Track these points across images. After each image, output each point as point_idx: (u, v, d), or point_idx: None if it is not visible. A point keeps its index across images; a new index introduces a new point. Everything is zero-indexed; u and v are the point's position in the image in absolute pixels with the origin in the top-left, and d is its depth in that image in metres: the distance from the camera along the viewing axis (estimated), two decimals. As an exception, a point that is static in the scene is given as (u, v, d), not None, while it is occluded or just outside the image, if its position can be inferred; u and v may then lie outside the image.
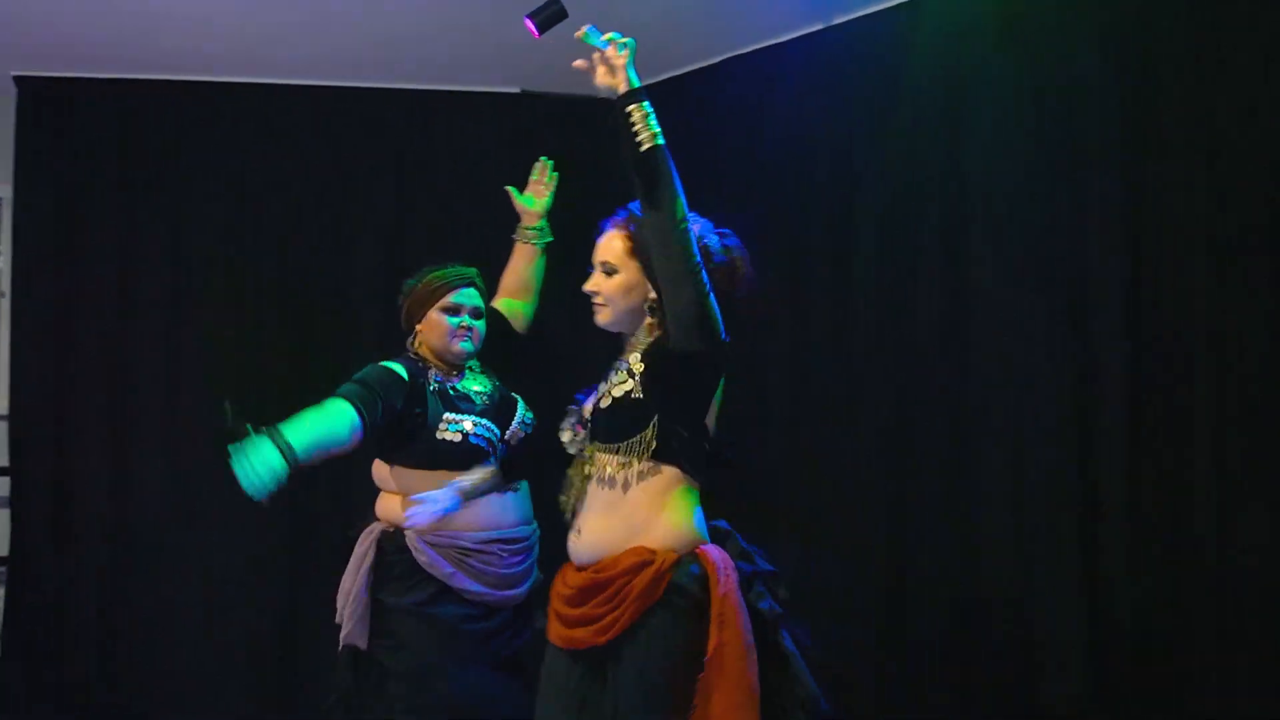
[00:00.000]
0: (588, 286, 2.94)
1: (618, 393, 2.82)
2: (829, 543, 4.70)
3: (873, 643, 4.61)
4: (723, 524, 2.98)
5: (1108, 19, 4.13)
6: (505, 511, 3.59)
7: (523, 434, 3.73)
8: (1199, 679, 3.89)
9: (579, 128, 4.91)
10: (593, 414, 2.89)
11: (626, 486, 2.83)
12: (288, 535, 5.43)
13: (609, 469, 2.82)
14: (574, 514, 2.94)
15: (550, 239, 3.84)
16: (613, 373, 2.87)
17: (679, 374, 2.77)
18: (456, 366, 3.72)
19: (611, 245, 2.94)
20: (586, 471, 2.88)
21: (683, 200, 2.67)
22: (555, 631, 2.93)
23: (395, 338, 3.94)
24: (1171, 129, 4.07)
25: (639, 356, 2.83)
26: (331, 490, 5.32)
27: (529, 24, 4.31)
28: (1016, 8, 4.34)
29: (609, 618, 2.80)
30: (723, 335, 2.71)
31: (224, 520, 5.39)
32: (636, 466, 2.81)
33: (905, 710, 4.52)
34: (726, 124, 5.14)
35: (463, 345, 3.66)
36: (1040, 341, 4.36)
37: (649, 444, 2.77)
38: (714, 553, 2.85)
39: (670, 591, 2.77)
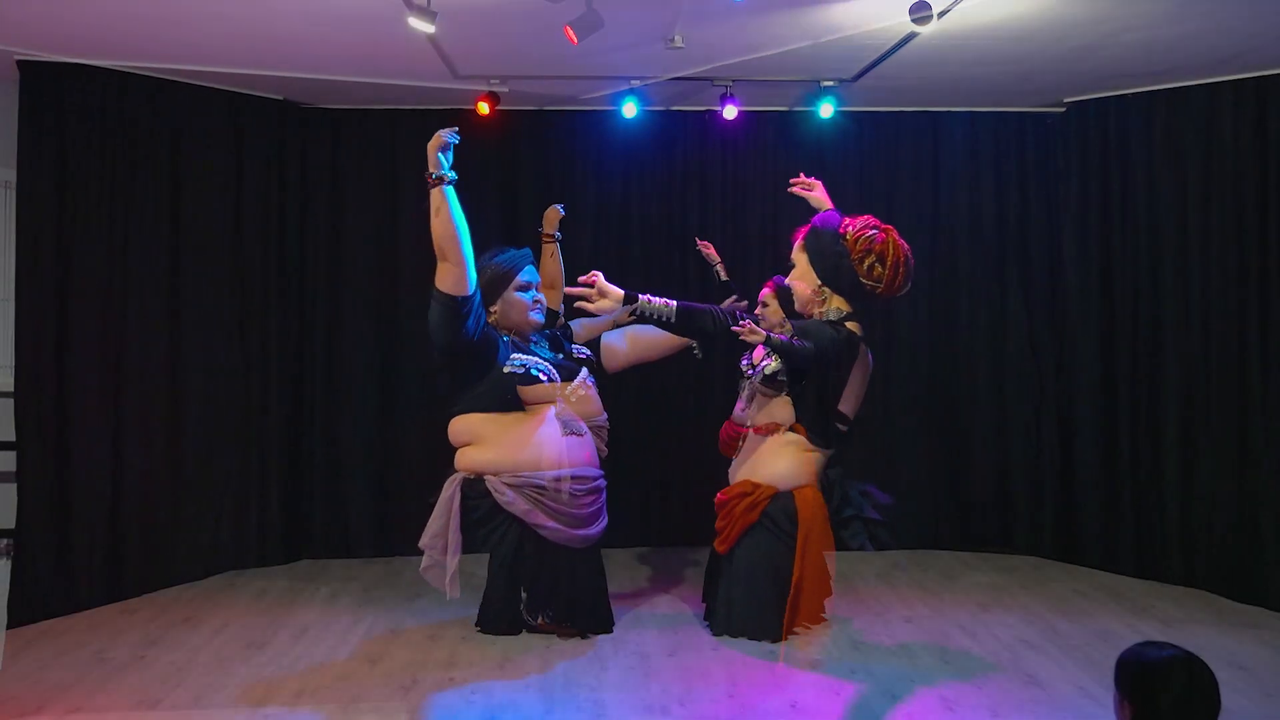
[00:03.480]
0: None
1: (769, 370, 3.73)
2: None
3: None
4: (835, 474, 3.60)
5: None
6: (573, 450, 3.97)
7: (584, 391, 4.09)
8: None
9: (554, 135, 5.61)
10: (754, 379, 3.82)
11: (762, 437, 3.70)
12: (283, 508, 5.72)
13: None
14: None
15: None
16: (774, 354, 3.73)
17: (801, 374, 3.66)
18: (526, 336, 4.11)
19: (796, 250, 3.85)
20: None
21: (711, 326, 3.58)
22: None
23: (386, 321, 4.33)
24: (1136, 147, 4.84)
25: None
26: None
27: (569, 32, 4.66)
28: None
29: (725, 532, 3.69)
30: (810, 365, 3.53)
31: (222, 494, 5.64)
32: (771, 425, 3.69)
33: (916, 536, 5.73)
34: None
35: (537, 316, 4.08)
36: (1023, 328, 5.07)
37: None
38: (809, 495, 3.51)
39: (764, 517, 3.61)
